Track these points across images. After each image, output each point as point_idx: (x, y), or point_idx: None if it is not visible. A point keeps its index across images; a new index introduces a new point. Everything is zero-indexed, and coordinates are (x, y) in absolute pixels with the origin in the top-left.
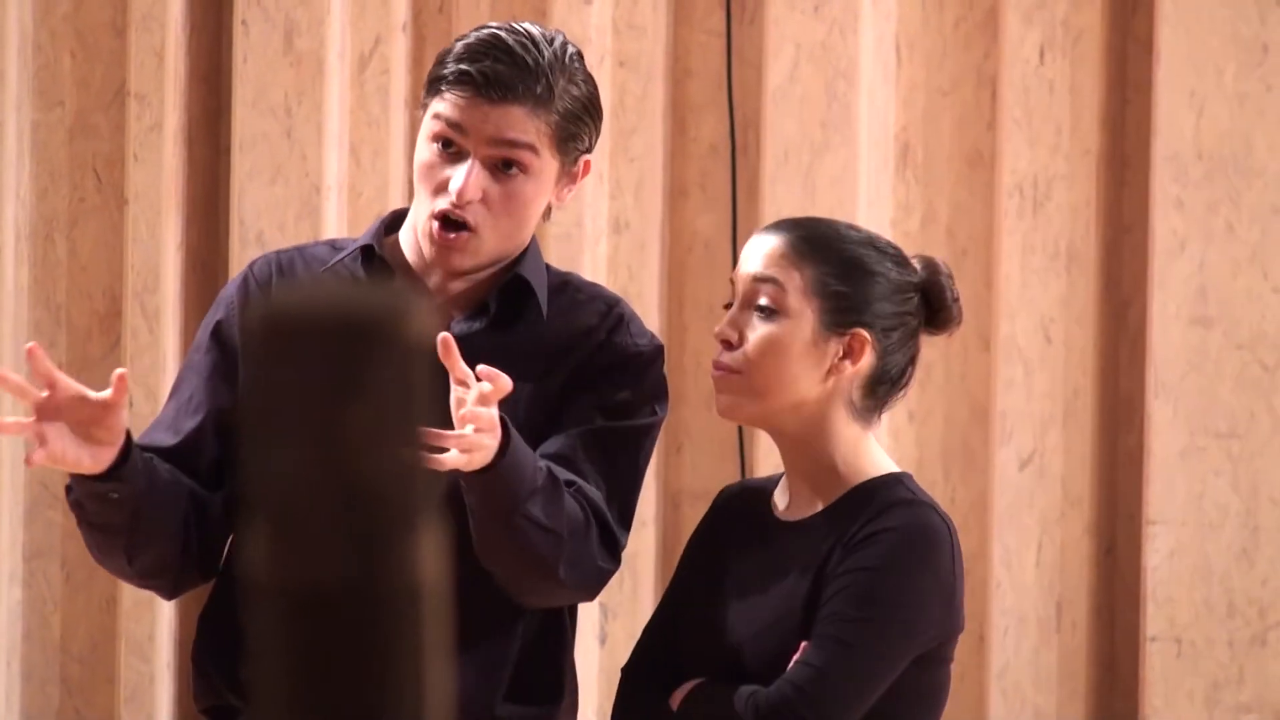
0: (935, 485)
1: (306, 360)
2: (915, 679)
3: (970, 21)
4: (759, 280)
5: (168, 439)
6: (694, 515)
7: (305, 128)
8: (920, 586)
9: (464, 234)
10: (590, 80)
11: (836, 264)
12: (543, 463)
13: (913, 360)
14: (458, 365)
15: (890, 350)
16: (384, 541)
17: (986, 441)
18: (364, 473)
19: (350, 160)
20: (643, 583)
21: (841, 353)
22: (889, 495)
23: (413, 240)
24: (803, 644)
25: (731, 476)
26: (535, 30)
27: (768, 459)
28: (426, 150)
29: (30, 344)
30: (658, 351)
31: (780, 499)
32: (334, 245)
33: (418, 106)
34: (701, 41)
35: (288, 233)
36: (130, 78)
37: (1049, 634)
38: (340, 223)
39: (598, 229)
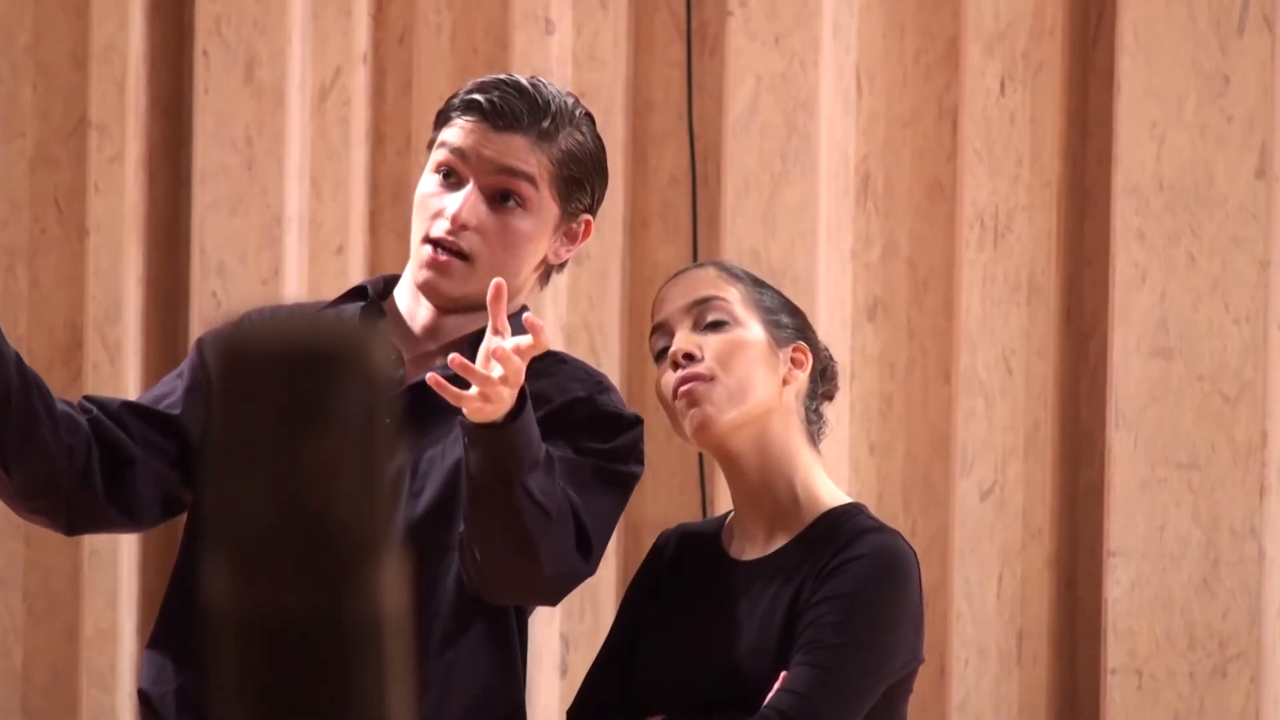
0: (896, 517)
1: (269, 391)
2: (884, 711)
3: (931, 53)
4: (700, 302)
5: (125, 399)
6: None
7: (266, 159)
8: (895, 611)
9: (456, 260)
10: (599, 140)
11: (760, 286)
12: (544, 445)
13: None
14: (500, 315)
15: (821, 367)
16: (346, 573)
17: (947, 473)
18: (326, 504)
19: (311, 192)
20: (604, 614)
21: (790, 364)
22: (856, 524)
23: (408, 287)
24: (782, 673)
25: (693, 507)
26: (550, 83)
27: (728, 491)
28: (428, 182)
29: None
30: (638, 421)
31: (730, 540)
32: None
33: (378, 139)
34: (662, 73)
35: (248, 264)
36: (91, 109)
37: (1010, 666)
38: (301, 254)
39: None
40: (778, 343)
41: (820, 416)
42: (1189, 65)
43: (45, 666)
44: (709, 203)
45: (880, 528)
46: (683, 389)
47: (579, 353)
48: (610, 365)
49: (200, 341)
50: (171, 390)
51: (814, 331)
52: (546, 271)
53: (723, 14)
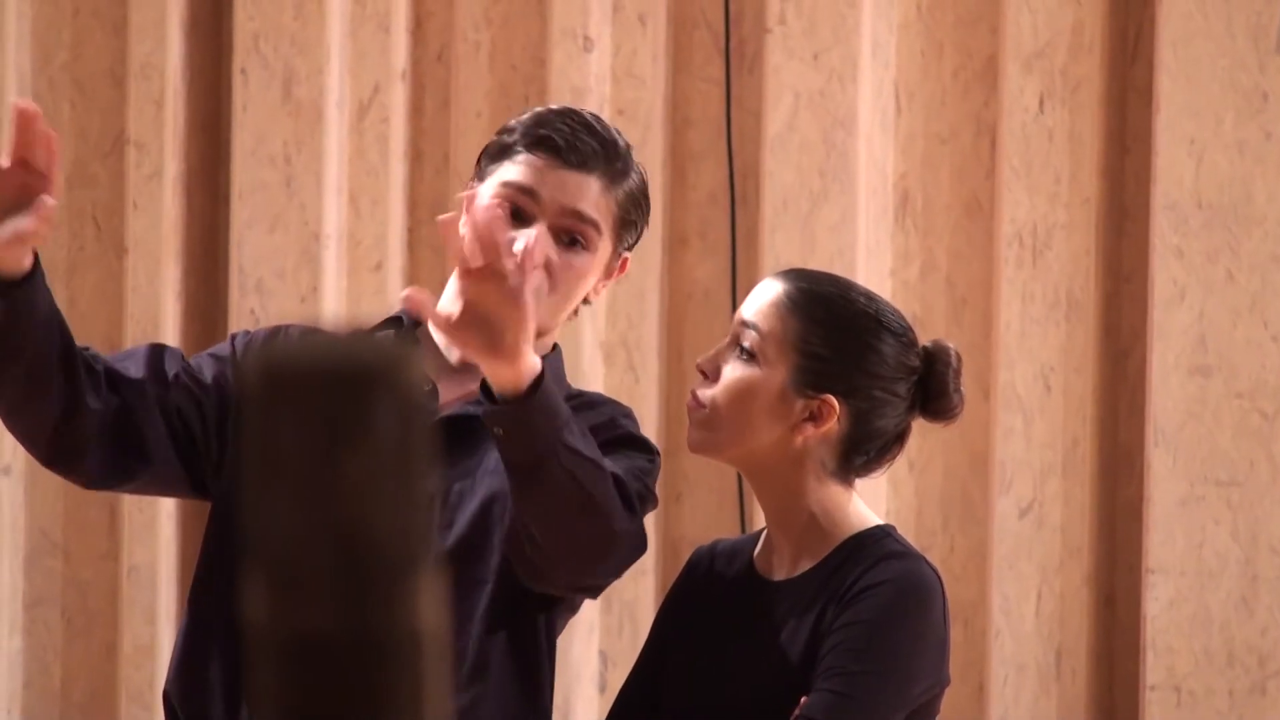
0: (934, 534)
1: (304, 410)
2: None
3: (969, 70)
4: (745, 324)
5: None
6: None
7: (304, 176)
8: (916, 638)
9: None
10: (645, 180)
11: (827, 326)
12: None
13: (900, 438)
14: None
15: (867, 423)
16: (382, 589)
17: (986, 491)
18: (362, 521)
19: (349, 209)
20: (642, 631)
21: (807, 414)
22: (879, 548)
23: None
24: (802, 699)
25: (731, 525)
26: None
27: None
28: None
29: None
30: (657, 453)
31: (763, 558)
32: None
33: (416, 156)
34: (700, 90)
35: (287, 281)
36: (129, 126)
37: (1048, 683)
38: (339, 271)
39: None
40: (801, 392)
41: (869, 461)
42: (1227, 82)
43: (84, 683)
44: (748, 220)
45: (905, 552)
46: (688, 403)
47: (616, 370)
48: (648, 383)
49: (234, 338)
50: (200, 367)
51: (921, 371)
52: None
53: (761, 31)
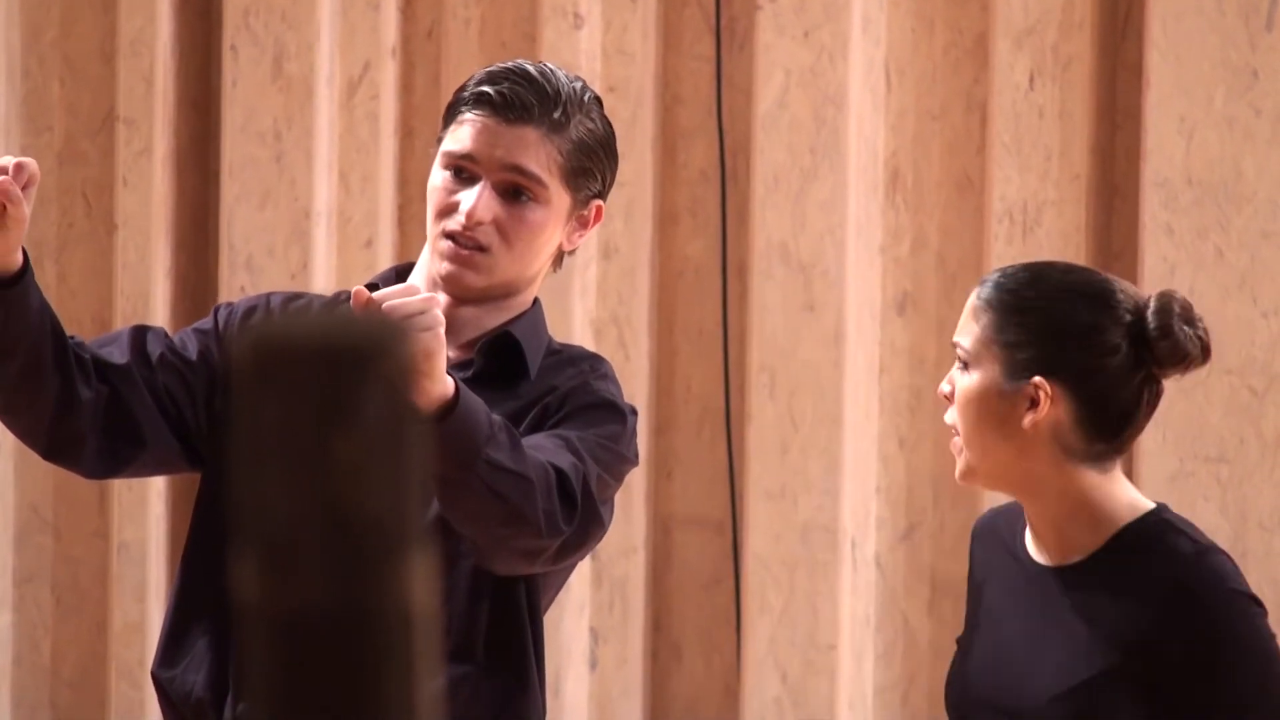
0: (925, 511)
1: (294, 387)
2: None
3: (960, 47)
4: (955, 344)
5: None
6: (684, 541)
7: (294, 153)
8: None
9: (477, 253)
10: (607, 124)
11: (1014, 313)
12: (496, 416)
13: (1140, 400)
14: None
15: (1089, 393)
16: (374, 567)
17: None
18: (353, 499)
19: (339, 185)
20: (632, 608)
21: (1027, 403)
22: (1173, 549)
23: (421, 279)
24: None
25: (722, 501)
26: (558, 68)
27: (758, 485)
28: (438, 176)
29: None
30: (632, 412)
31: (1034, 541)
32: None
33: (406, 132)
34: (691, 67)
35: (277, 258)
36: (119, 103)
37: None
38: (329, 248)
39: (587, 255)
40: (1011, 384)
41: (1117, 431)
42: (1217, 59)
43: (74, 661)
44: (738, 197)
45: (1198, 552)
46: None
47: (607, 347)
48: (639, 359)
49: (216, 310)
50: (184, 344)
51: (1132, 325)
52: (559, 256)
53: (752, 8)
